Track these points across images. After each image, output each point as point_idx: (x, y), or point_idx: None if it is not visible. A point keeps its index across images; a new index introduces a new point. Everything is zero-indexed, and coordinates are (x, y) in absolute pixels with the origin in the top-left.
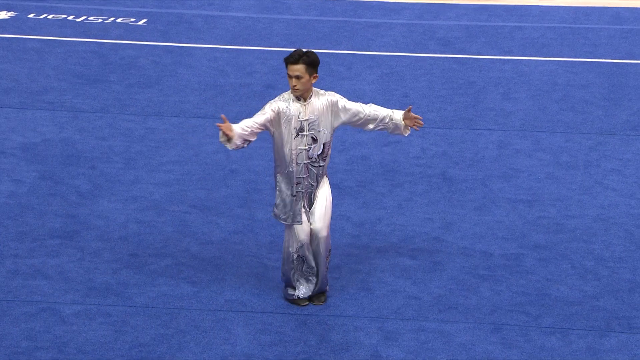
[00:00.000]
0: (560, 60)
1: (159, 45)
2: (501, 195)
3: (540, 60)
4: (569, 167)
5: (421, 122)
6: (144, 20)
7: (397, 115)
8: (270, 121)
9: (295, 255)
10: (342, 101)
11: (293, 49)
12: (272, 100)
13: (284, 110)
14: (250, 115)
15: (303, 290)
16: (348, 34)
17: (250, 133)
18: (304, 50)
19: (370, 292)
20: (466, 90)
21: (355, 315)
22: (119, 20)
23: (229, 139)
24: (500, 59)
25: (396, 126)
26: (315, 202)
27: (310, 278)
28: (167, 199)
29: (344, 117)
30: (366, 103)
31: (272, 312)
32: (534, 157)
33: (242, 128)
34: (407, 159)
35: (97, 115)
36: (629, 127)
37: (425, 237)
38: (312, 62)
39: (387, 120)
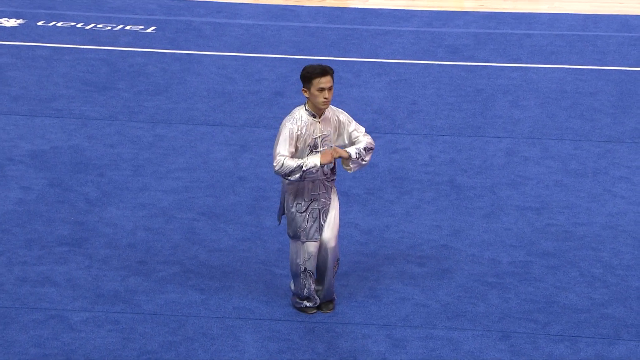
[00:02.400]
0: (569, 68)
1: (167, 52)
2: (509, 203)
3: (549, 67)
4: (577, 175)
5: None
6: (153, 28)
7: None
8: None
9: (302, 268)
10: (349, 124)
11: (302, 57)
12: (284, 125)
13: (297, 131)
14: (258, 122)
15: (312, 301)
16: (356, 41)
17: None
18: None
19: (378, 299)
20: (474, 98)
21: (363, 323)
22: (127, 27)
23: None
24: (508, 67)
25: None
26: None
27: (318, 288)
28: (175, 206)
29: (345, 140)
30: (375, 111)
31: (280, 320)
32: (543, 165)
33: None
34: (415, 167)
35: (105, 122)
36: (638, 134)
37: (434, 244)
38: (333, 72)
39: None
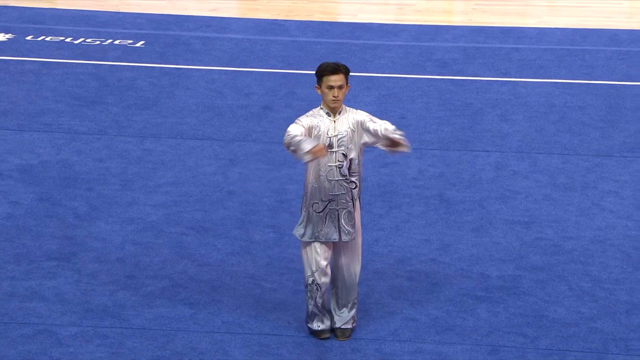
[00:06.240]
0: (558, 82)
1: (156, 67)
2: (498, 217)
3: (538, 81)
4: (566, 189)
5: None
6: (142, 42)
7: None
8: (305, 134)
9: (310, 280)
10: (367, 122)
11: (291, 71)
12: (301, 117)
13: (315, 126)
14: (247, 136)
15: (322, 322)
16: (345, 55)
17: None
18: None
19: (368, 313)
20: (463, 112)
21: (352, 337)
22: (116, 42)
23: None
24: (497, 81)
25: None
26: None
27: (328, 308)
28: (164, 220)
29: (368, 139)
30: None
31: (269, 334)
32: (531, 179)
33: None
34: (404, 181)
35: (94, 136)
36: (626, 148)
37: (423, 258)
38: (347, 71)
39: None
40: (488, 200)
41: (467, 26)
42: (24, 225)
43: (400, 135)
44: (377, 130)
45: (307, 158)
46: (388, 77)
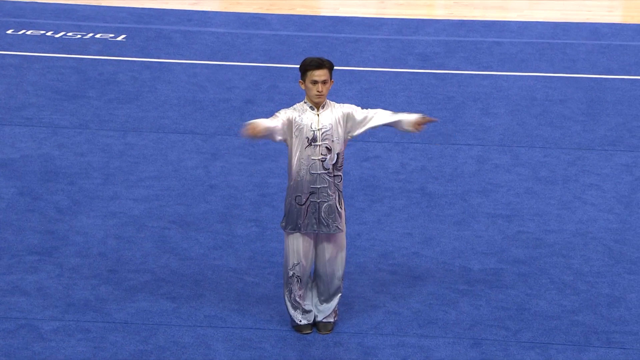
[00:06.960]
0: (539, 76)
1: (137, 60)
2: (480, 210)
3: (519, 75)
4: (547, 182)
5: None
6: (123, 36)
7: (406, 118)
8: (281, 128)
9: (291, 273)
10: (356, 112)
11: (273, 65)
12: (284, 109)
13: (297, 120)
14: (229, 130)
15: (304, 315)
16: (327, 49)
17: (274, 129)
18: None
19: (350, 307)
20: (445, 105)
21: (334, 331)
22: (97, 36)
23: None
24: (479, 74)
25: (402, 127)
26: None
27: (306, 302)
28: (146, 214)
29: (356, 130)
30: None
31: (251, 328)
32: (513, 172)
33: (268, 123)
34: (386, 174)
35: (76, 131)
36: (607, 142)
37: (405, 252)
38: (331, 66)
39: (395, 123)
40: (470, 194)
41: (448, 20)
42: (5, 219)
43: (418, 115)
44: (367, 116)
45: (242, 131)
46: (370, 70)
